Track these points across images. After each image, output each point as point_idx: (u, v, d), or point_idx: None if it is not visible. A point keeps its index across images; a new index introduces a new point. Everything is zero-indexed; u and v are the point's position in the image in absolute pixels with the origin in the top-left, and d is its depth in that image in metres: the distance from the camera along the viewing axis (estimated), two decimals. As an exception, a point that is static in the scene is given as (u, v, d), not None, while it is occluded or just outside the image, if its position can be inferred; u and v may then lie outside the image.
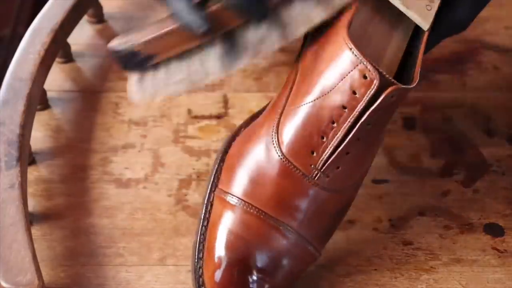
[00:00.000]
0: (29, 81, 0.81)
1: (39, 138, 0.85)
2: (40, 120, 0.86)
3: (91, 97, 0.89)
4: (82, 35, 0.94)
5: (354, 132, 0.67)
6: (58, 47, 0.88)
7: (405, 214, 0.78)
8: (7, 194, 0.73)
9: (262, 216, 0.69)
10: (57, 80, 0.90)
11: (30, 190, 0.79)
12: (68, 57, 0.91)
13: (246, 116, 0.81)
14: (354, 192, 0.73)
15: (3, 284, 0.67)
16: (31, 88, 0.81)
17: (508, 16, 0.95)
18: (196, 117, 0.87)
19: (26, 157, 0.79)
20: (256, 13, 0.67)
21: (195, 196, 0.79)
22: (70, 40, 0.90)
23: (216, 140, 0.84)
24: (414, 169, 0.82)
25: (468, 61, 0.91)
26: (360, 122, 0.67)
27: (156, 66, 0.70)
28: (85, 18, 0.94)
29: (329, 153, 0.68)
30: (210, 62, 0.69)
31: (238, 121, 0.85)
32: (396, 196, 0.80)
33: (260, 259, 0.69)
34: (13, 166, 0.75)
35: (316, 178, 0.69)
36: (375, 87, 0.65)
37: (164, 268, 0.75)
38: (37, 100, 0.84)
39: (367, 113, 0.66)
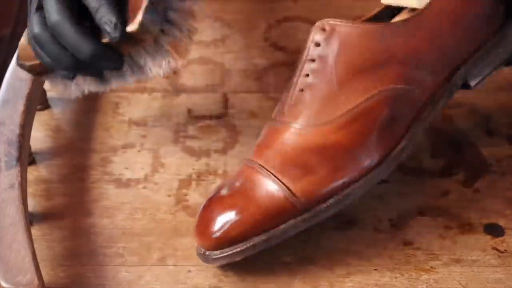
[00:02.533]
0: (29, 81, 0.81)
1: (39, 138, 0.85)
2: (40, 120, 0.86)
3: (91, 97, 0.88)
4: (82, 35, 0.94)
5: (302, 69, 0.73)
6: (58, 47, 0.88)
7: (405, 214, 0.78)
8: (7, 194, 0.73)
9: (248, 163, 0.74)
10: (57, 80, 0.90)
11: (30, 190, 0.79)
12: (68, 57, 0.91)
13: (246, 116, 0.82)
14: (336, 132, 0.73)
15: (3, 284, 0.67)
16: (31, 88, 0.81)
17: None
18: (196, 117, 0.87)
19: (26, 157, 0.79)
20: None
21: (195, 196, 0.79)
22: (70, 40, 0.90)
23: (216, 140, 0.84)
24: (414, 169, 0.82)
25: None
26: (303, 58, 0.73)
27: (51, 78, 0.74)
28: (85, 18, 0.94)
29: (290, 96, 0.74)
30: (87, 81, 0.73)
31: (238, 121, 0.85)
32: (396, 196, 0.80)
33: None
34: (13, 166, 0.75)
35: (285, 118, 0.74)
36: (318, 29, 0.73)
37: (164, 268, 0.75)
38: (37, 100, 0.84)
39: (308, 50, 0.73)
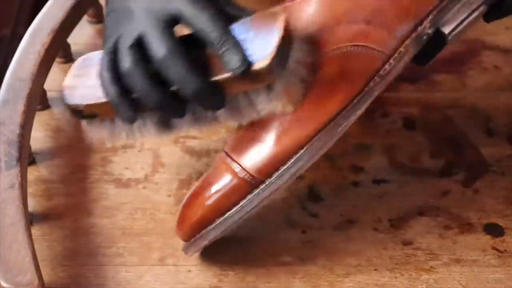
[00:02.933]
0: (29, 81, 0.81)
1: (39, 138, 0.85)
2: (40, 120, 0.86)
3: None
4: (82, 35, 0.94)
5: None
6: (58, 47, 0.88)
7: (405, 214, 0.78)
8: (7, 194, 0.73)
9: None
10: (57, 80, 0.90)
11: (30, 190, 0.79)
12: (68, 57, 0.91)
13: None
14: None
15: (3, 284, 0.67)
16: (31, 88, 0.81)
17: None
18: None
19: (26, 157, 0.79)
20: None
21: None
22: (70, 40, 0.90)
23: (216, 140, 0.84)
24: (414, 169, 0.82)
25: (468, 61, 0.91)
26: None
27: (100, 121, 0.71)
28: (85, 18, 0.94)
29: None
30: (146, 127, 0.70)
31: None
32: (396, 196, 0.80)
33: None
34: (13, 166, 0.75)
35: None
36: None
37: (164, 268, 0.75)
38: (37, 100, 0.84)
39: None
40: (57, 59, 0.90)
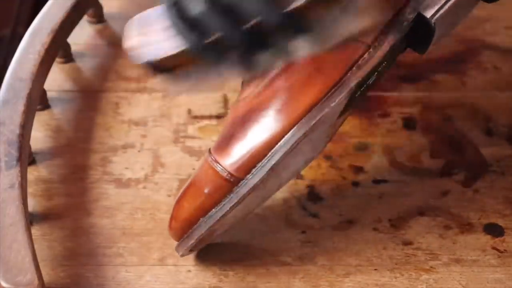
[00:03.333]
0: (29, 81, 0.81)
1: (39, 138, 0.85)
2: (40, 120, 0.86)
3: (91, 97, 0.89)
4: (82, 35, 0.94)
5: None
6: (58, 47, 0.88)
7: (405, 214, 0.78)
8: (7, 194, 0.73)
9: None
10: (57, 80, 0.90)
11: (30, 190, 0.79)
12: (68, 57, 0.91)
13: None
14: (259, 95, 0.72)
15: (3, 284, 0.67)
16: (31, 88, 0.81)
17: (508, 16, 0.95)
18: (196, 117, 0.87)
19: (26, 157, 0.79)
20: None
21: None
22: (70, 40, 0.90)
23: (216, 140, 0.84)
24: (414, 169, 0.82)
25: (468, 61, 0.91)
26: None
27: (180, 74, 0.68)
28: (85, 18, 0.94)
29: None
30: (229, 68, 0.67)
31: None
32: (396, 196, 0.80)
33: None
34: (13, 166, 0.75)
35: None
36: None
37: (164, 268, 0.75)
38: (37, 100, 0.84)
39: None
40: (57, 59, 0.90)
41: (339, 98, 0.70)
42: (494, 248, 0.76)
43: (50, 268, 0.74)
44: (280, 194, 0.78)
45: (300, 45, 0.65)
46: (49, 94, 0.88)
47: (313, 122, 0.70)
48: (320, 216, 0.78)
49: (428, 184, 0.81)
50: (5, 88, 0.81)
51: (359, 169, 0.82)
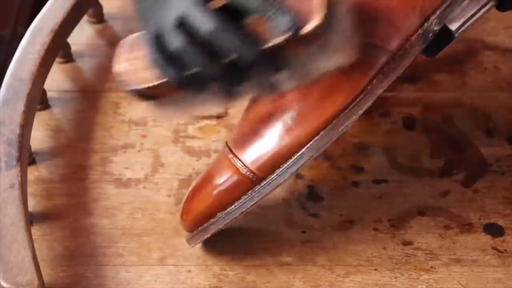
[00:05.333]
0: (29, 81, 0.81)
1: (39, 138, 0.85)
2: (40, 120, 0.86)
3: (91, 97, 0.89)
4: (82, 35, 0.94)
5: None
6: (58, 47, 0.88)
7: (405, 214, 0.78)
8: (7, 194, 0.73)
9: None
10: (57, 80, 0.90)
11: (30, 190, 0.79)
12: (68, 57, 0.91)
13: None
14: (284, 96, 0.72)
15: (3, 284, 0.67)
16: (31, 88, 0.81)
17: (508, 16, 0.95)
18: (196, 117, 0.87)
19: (26, 157, 0.79)
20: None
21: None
22: (70, 40, 0.90)
23: (216, 140, 0.84)
24: (414, 169, 0.82)
25: (468, 61, 0.91)
26: None
27: (164, 101, 0.70)
28: (85, 18, 0.94)
29: None
30: (209, 98, 0.69)
31: (238, 121, 0.85)
32: (396, 196, 0.80)
33: None
34: (13, 166, 0.75)
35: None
36: None
37: (164, 268, 0.75)
38: (37, 100, 0.84)
39: None
40: (57, 59, 0.90)
41: (366, 105, 0.71)
42: (494, 248, 0.76)
43: (50, 268, 0.74)
44: (280, 194, 0.78)
45: (278, 79, 0.67)
46: (49, 94, 0.88)
47: (340, 128, 0.71)
48: (320, 216, 0.78)
49: (428, 184, 0.81)
50: (5, 88, 0.81)
51: (359, 169, 0.82)
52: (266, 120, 0.72)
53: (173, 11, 0.66)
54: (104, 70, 0.91)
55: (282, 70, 0.66)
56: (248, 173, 0.72)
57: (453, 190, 0.80)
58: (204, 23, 0.64)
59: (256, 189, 0.72)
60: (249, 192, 0.72)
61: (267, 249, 0.76)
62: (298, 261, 0.75)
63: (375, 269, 0.74)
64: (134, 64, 0.69)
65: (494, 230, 0.77)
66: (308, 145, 0.71)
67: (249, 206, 0.72)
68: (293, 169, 0.71)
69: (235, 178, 0.72)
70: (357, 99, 0.71)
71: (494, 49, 0.92)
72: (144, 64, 0.68)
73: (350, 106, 0.71)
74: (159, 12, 0.67)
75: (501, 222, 0.78)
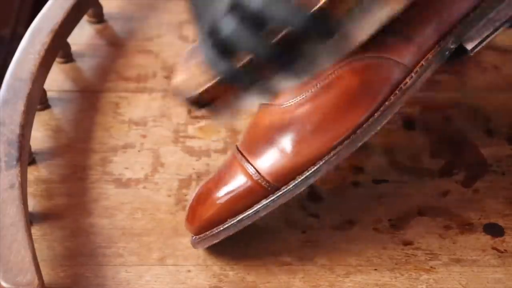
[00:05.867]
0: (29, 81, 0.81)
1: (39, 138, 0.85)
2: (40, 120, 0.86)
3: (91, 97, 0.89)
4: (82, 35, 0.94)
5: None
6: (58, 47, 0.88)
7: (405, 214, 0.78)
8: (7, 194, 0.73)
9: None
10: (57, 80, 0.90)
11: (30, 190, 0.79)
12: (68, 57, 0.91)
13: (246, 116, 0.81)
14: (302, 106, 0.72)
15: (3, 284, 0.67)
16: (31, 88, 0.81)
17: (508, 16, 0.95)
18: (196, 117, 0.87)
19: (26, 157, 0.79)
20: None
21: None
22: (70, 40, 0.90)
23: (216, 140, 0.84)
24: (414, 169, 0.82)
25: (468, 61, 0.91)
26: None
27: (220, 106, 0.70)
28: (85, 18, 0.94)
29: None
30: (263, 90, 0.67)
31: (238, 121, 0.85)
32: (396, 196, 0.80)
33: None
34: (13, 166, 0.75)
35: None
36: None
37: (164, 268, 0.75)
38: (37, 100, 0.84)
39: None
40: (57, 59, 0.90)
41: (385, 121, 0.72)
42: (494, 248, 0.76)
43: (50, 268, 0.74)
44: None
45: (326, 51, 0.65)
46: (49, 94, 0.88)
47: (359, 144, 0.72)
48: (320, 216, 0.78)
49: (428, 184, 0.81)
50: (5, 88, 0.81)
51: (359, 169, 0.82)
52: (282, 129, 0.72)
53: (221, 2, 0.64)
54: (104, 70, 0.91)
55: (335, 32, 0.64)
56: (262, 181, 0.72)
57: (453, 190, 0.80)
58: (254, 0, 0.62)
59: (271, 198, 0.72)
60: (262, 201, 0.72)
61: (267, 249, 0.76)
62: (298, 261, 0.75)
63: (375, 269, 0.74)
64: (190, 73, 0.69)
65: (494, 230, 0.77)
66: (326, 158, 0.71)
67: (262, 215, 0.72)
68: (310, 181, 0.72)
69: (248, 184, 0.72)
70: (375, 115, 0.72)
71: (494, 49, 0.92)
72: (197, 70, 0.68)
73: (369, 122, 0.72)
74: (212, 6, 0.66)
75: (501, 222, 0.78)
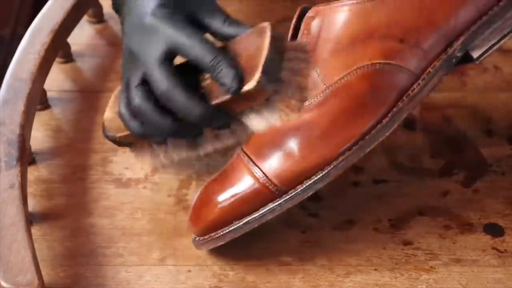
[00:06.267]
0: (29, 81, 0.81)
1: (39, 138, 0.85)
2: (40, 120, 0.86)
3: (91, 97, 0.89)
4: (82, 35, 0.94)
5: None
6: (58, 47, 0.88)
7: (405, 214, 0.78)
8: (7, 194, 0.73)
9: None
10: (57, 80, 0.90)
11: (30, 190, 0.79)
12: (68, 57, 0.91)
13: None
14: (311, 110, 0.72)
15: (3, 284, 0.67)
16: (31, 88, 0.81)
17: (508, 16, 0.95)
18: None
19: (26, 157, 0.79)
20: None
21: (195, 196, 0.79)
22: (70, 40, 0.90)
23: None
24: (414, 169, 0.82)
25: (468, 61, 0.91)
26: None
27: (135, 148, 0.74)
28: (85, 18, 0.94)
29: None
30: (175, 149, 0.73)
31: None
32: (396, 196, 0.80)
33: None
34: (13, 166, 0.75)
35: None
36: None
37: (164, 268, 0.75)
38: (37, 100, 0.84)
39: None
40: (57, 59, 0.90)
41: (393, 128, 0.72)
42: (494, 248, 0.76)
43: (50, 268, 0.74)
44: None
45: (227, 133, 0.70)
46: (49, 94, 0.88)
47: (367, 150, 0.72)
48: (320, 216, 0.78)
49: (428, 184, 0.81)
50: (5, 88, 0.81)
51: (359, 169, 0.82)
52: (290, 132, 0.72)
53: (139, 69, 0.70)
54: (104, 70, 0.91)
55: (228, 126, 0.69)
56: (269, 184, 0.72)
57: (453, 190, 0.80)
58: (159, 83, 0.68)
59: (278, 202, 0.72)
60: (269, 205, 0.72)
61: (267, 249, 0.76)
62: (298, 261, 0.75)
63: (375, 269, 0.74)
64: (114, 114, 0.73)
65: (494, 230, 0.77)
66: (334, 164, 0.72)
67: (268, 218, 0.72)
68: (318, 185, 0.72)
69: (255, 187, 0.72)
70: (383, 121, 0.72)
71: (494, 49, 0.92)
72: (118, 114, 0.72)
73: (377, 128, 0.72)
74: (131, 67, 0.71)
75: (501, 222, 0.78)
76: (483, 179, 0.81)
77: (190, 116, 0.68)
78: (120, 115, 0.71)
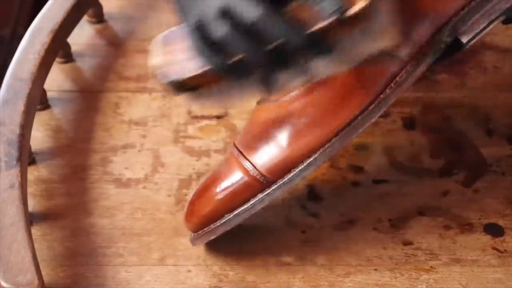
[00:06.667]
0: (29, 81, 0.81)
1: (39, 138, 0.85)
2: (40, 120, 0.86)
3: (91, 97, 0.89)
4: (82, 35, 0.94)
5: None
6: (58, 47, 0.88)
7: (405, 214, 0.78)
8: (7, 194, 0.73)
9: None
10: (57, 80, 0.90)
11: (30, 190, 0.79)
12: (68, 57, 0.91)
13: (246, 116, 0.82)
14: (296, 100, 0.72)
15: (3, 284, 0.67)
16: (31, 88, 0.81)
17: (508, 16, 0.95)
18: (196, 117, 0.87)
19: (26, 157, 0.79)
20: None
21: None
22: (70, 40, 0.90)
23: (216, 140, 0.84)
24: (414, 169, 0.82)
25: (468, 61, 0.91)
26: None
27: (203, 92, 0.70)
28: (85, 18, 0.94)
29: None
30: (250, 87, 0.68)
31: (238, 121, 0.85)
32: (396, 196, 0.80)
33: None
34: (13, 166, 0.75)
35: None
36: None
37: (164, 268, 0.75)
38: (37, 100, 0.84)
39: None
40: (57, 59, 0.90)
41: (379, 114, 0.72)
42: (494, 248, 0.76)
43: (50, 268, 0.74)
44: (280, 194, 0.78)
45: (321, 65, 0.66)
46: (49, 94, 0.88)
47: (354, 135, 0.72)
48: (320, 216, 0.78)
49: (428, 184, 0.81)
50: (5, 88, 0.81)
51: (359, 169, 0.82)
52: (277, 123, 0.72)
53: (215, 1, 0.65)
54: (104, 70, 0.91)
55: (326, 55, 0.65)
56: (258, 175, 0.72)
57: (453, 190, 0.80)
58: (249, 11, 0.64)
59: (266, 192, 0.72)
60: (258, 195, 0.72)
61: (267, 249, 0.76)
62: (298, 261, 0.75)
63: (375, 269, 0.74)
64: (173, 55, 0.69)
65: (494, 230, 0.77)
66: (320, 151, 0.71)
67: (258, 209, 0.72)
68: (304, 173, 0.72)
69: (244, 180, 0.72)
70: (370, 108, 0.72)
71: (494, 49, 0.92)
72: (184, 55, 0.68)
73: (363, 114, 0.72)
74: (200, 3, 0.66)
75: (501, 222, 0.78)
76: (483, 179, 0.81)
77: (290, 43, 0.64)
78: (198, 51, 0.66)
